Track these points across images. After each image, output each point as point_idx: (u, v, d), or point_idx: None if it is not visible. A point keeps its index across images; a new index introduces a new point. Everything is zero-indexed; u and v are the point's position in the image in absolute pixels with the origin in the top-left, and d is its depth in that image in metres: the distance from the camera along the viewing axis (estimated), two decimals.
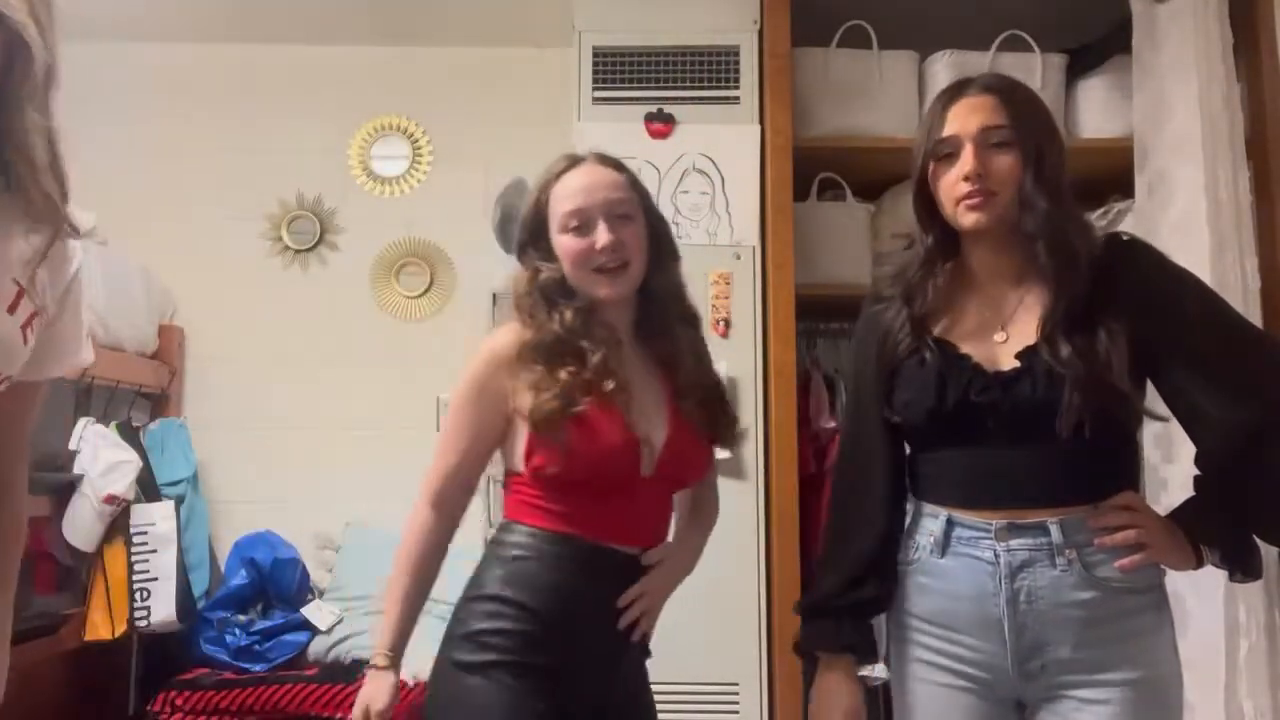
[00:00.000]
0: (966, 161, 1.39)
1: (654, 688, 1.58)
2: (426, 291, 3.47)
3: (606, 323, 1.53)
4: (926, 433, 1.45)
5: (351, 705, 2.62)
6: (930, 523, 1.44)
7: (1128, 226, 2.54)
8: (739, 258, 2.60)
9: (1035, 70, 2.64)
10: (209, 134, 3.51)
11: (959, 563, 1.41)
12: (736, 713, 2.43)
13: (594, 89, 2.67)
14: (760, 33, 2.66)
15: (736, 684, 2.43)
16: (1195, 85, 2.37)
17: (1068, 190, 1.42)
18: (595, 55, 2.68)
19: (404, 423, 3.31)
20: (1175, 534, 1.39)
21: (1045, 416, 1.34)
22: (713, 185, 2.64)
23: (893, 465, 1.49)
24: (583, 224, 1.49)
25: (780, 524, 2.46)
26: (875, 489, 1.49)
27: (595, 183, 1.52)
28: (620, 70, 2.68)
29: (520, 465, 1.49)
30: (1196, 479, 1.43)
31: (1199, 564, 1.40)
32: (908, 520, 1.50)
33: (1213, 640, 2.16)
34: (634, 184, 1.57)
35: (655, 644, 1.57)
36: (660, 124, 2.66)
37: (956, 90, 1.45)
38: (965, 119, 1.41)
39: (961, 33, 2.67)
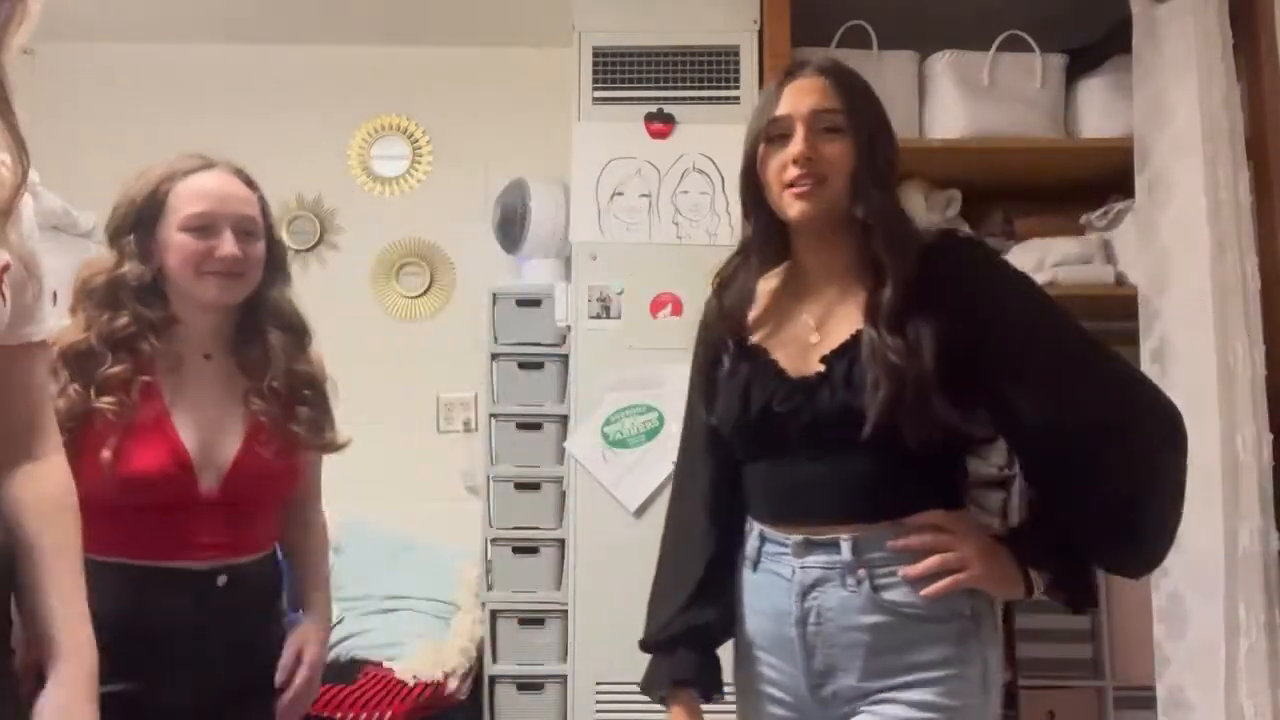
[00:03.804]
0: (797, 143, 1.31)
1: None
2: (426, 291, 3.47)
3: (186, 337, 1.51)
4: (739, 444, 1.36)
5: (351, 705, 2.64)
6: (750, 538, 1.36)
7: (1128, 226, 2.54)
8: None
9: (1035, 70, 2.63)
10: (209, 134, 3.46)
11: (765, 579, 1.33)
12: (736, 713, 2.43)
13: (594, 89, 2.67)
14: (760, 33, 2.66)
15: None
16: (1195, 85, 2.37)
17: (895, 186, 1.37)
18: (595, 55, 2.68)
19: (404, 423, 3.31)
20: (998, 557, 1.27)
21: (845, 425, 1.24)
22: (713, 185, 2.64)
23: (718, 477, 1.39)
24: (207, 228, 1.46)
25: None
26: (699, 505, 1.40)
27: (230, 193, 1.50)
28: (620, 70, 2.68)
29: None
30: (1029, 499, 1.36)
31: (1030, 591, 1.28)
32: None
33: (1213, 640, 2.15)
34: (263, 206, 1.56)
35: None
36: (660, 124, 2.66)
37: (792, 71, 1.37)
38: (798, 100, 1.33)
39: (961, 33, 2.66)
